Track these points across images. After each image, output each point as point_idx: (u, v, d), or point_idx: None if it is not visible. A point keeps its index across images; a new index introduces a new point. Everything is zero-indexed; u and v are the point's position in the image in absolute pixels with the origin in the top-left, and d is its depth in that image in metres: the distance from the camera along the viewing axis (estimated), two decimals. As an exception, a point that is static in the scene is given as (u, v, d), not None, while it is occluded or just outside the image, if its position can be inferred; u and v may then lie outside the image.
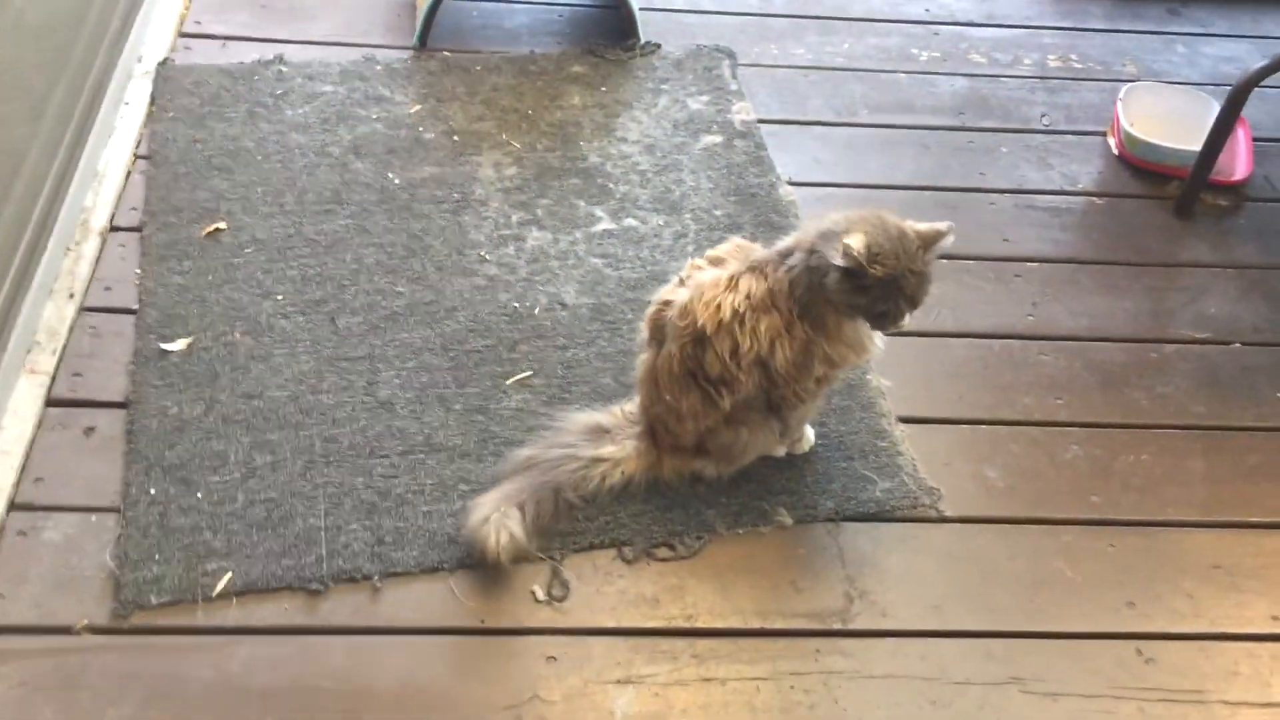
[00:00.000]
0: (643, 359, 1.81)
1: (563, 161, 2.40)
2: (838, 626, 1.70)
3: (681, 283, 1.76)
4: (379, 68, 2.57)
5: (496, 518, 1.69)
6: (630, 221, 2.28)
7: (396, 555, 1.71)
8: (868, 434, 1.94)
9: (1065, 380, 2.09)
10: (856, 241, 1.56)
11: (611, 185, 2.35)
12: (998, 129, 2.64)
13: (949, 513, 1.85)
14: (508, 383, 1.96)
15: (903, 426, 1.96)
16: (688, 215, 2.30)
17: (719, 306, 1.67)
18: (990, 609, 1.74)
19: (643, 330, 1.80)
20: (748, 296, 1.67)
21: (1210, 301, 2.26)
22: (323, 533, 1.73)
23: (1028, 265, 2.31)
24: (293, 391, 1.91)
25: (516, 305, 2.09)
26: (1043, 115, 2.68)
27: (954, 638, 1.71)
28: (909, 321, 1.64)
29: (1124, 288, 2.28)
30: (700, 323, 1.68)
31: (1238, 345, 2.18)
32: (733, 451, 1.79)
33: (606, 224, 2.27)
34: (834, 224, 1.64)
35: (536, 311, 2.08)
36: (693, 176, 2.39)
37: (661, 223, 2.28)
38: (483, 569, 1.70)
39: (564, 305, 2.10)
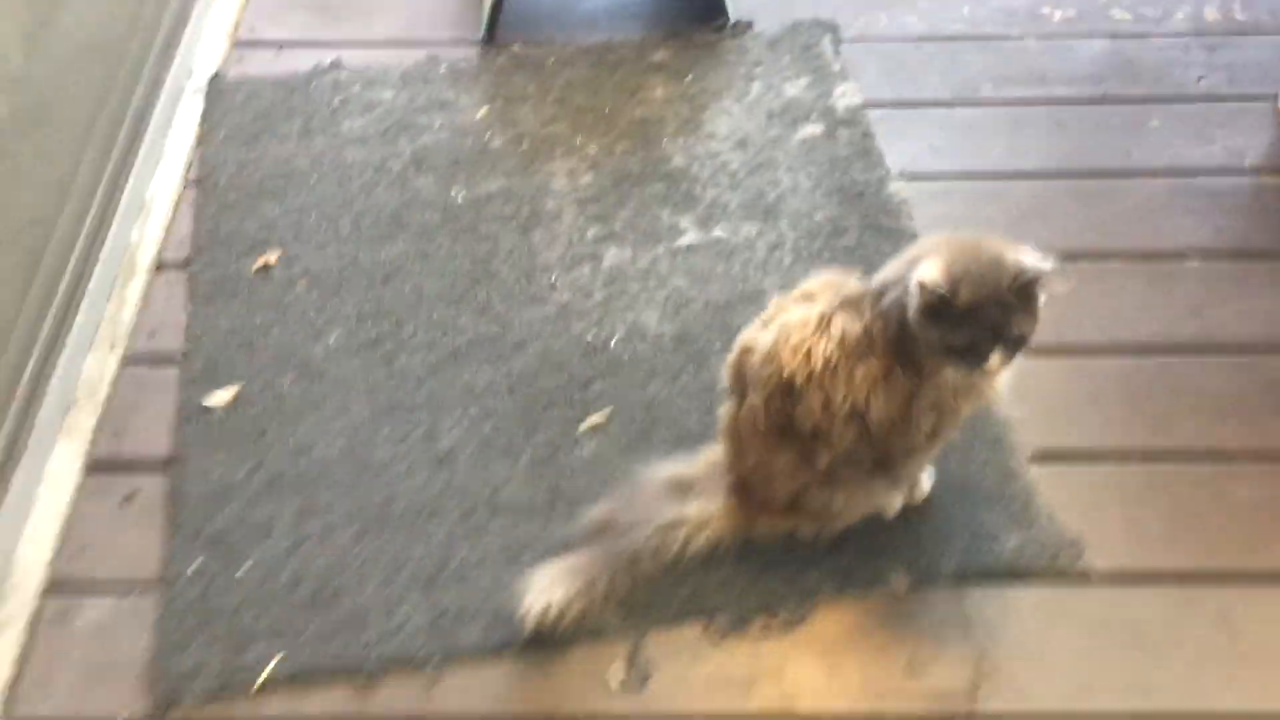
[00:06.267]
0: (724, 412, 1.57)
1: (643, 165, 2.16)
2: (964, 710, 1.46)
3: (765, 324, 1.51)
4: (443, 68, 2.37)
5: (545, 586, 1.49)
6: (719, 232, 2.03)
7: (456, 637, 1.53)
8: (995, 476, 1.67)
9: (1235, 401, 1.76)
10: (929, 271, 1.32)
11: (698, 190, 2.10)
12: (1146, 98, 2.28)
13: (1095, 569, 1.58)
14: (580, 428, 1.75)
15: (1037, 465, 1.68)
16: (784, 221, 2.04)
17: (809, 353, 1.43)
18: (1148, 688, 1.47)
19: (724, 377, 1.57)
20: (841, 340, 1.42)
21: None
22: (376, 612, 1.55)
23: (1186, 263, 1.97)
24: (345, 446, 1.73)
25: (591, 336, 1.87)
26: (1199, 78, 2.32)
27: (1104, 724, 1.45)
28: (999, 363, 1.36)
29: (1306, 284, 1.93)
30: (788, 371, 1.44)
31: None
32: (827, 513, 1.55)
33: (692, 236, 2.02)
34: (922, 250, 1.39)
35: (613, 343, 1.86)
36: (789, 175, 2.12)
37: (754, 232, 2.02)
38: (553, 649, 1.51)
39: (644, 335, 1.87)
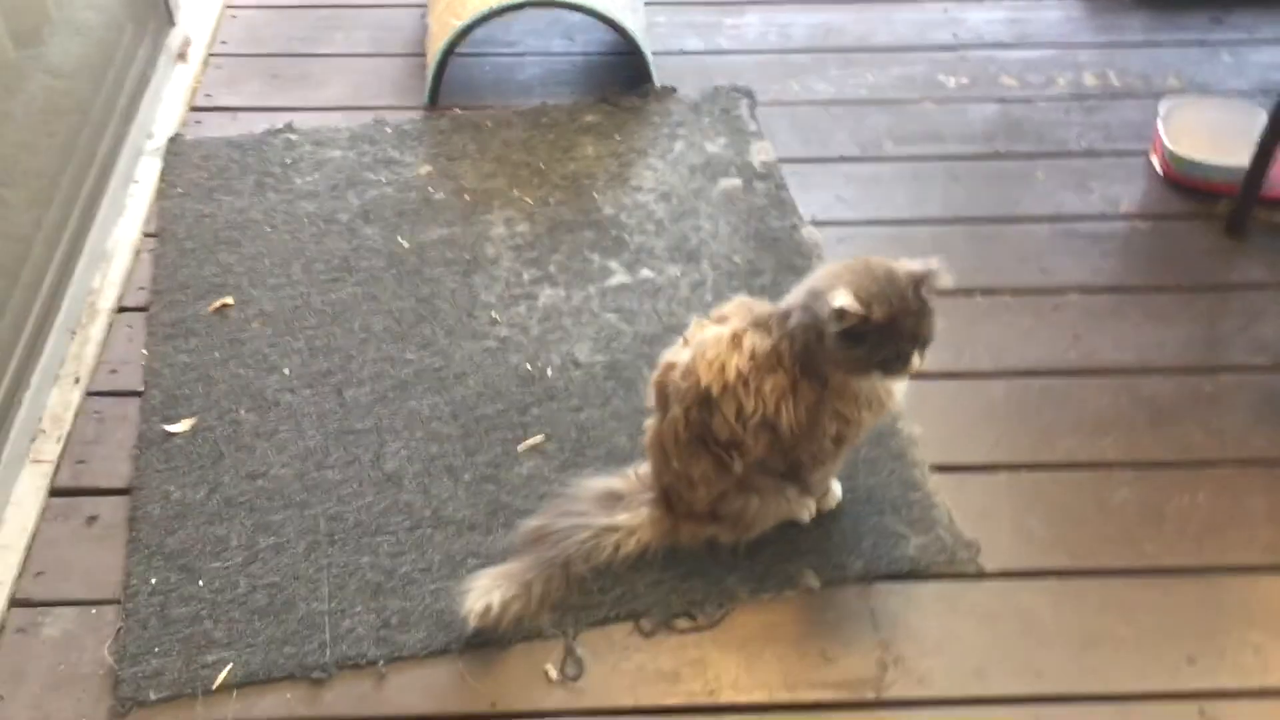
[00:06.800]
0: (649, 425, 1.72)
1: (576, 214, 2.33)
2: (871, 697, 1.60)
3: (685, 343, 1.67)
4: (389, 130, 2.54)
5: (485, 588, 1.62)
6: (646, 273, 2.20)
7: (402, 638, 1.64)
8: (899, 486, 1.83)
9: (1112, 418, 1.96)
10: (843, 299, 1.46)
11: (626, 236, 2.28)
12: (1032, 154, 2.52)
13: (989, 567, 1.74)
14: (519, 449, 1.89)
15: (936, 476, 1.85)
16: (705, 263, 2.22)
17: (723, 366, 1.58)
18: (1037, 672, 1.62)
19: (649, 395, 1.72)
20: (752, 355, 1.58)
21: (1268, 325, 2.11)
22: (326, 617, 1.66)
23: (1068, 296, 2.18)
24: (297, 469, 1.85)
25: (529, 367, 2.02)
26: (1079, 136, 2.56)
27: (999, 704, 1.59)
28: (920, 363, 1.53)
29: (1173, 315, 2.14)
30: (704, 383, 1.59)
31: (1300, 371, 2.04)
32: (744, 519, 1.70)
33: (621, 277, 2.19)
34: (818, 281, 1.55)
35: (549, 372, 2.01)
36: (710, 222, 2.30)
37: (678, 273, 2.20)
38: (493, 649, 1.63)
39: (577, 364, 2.02)
